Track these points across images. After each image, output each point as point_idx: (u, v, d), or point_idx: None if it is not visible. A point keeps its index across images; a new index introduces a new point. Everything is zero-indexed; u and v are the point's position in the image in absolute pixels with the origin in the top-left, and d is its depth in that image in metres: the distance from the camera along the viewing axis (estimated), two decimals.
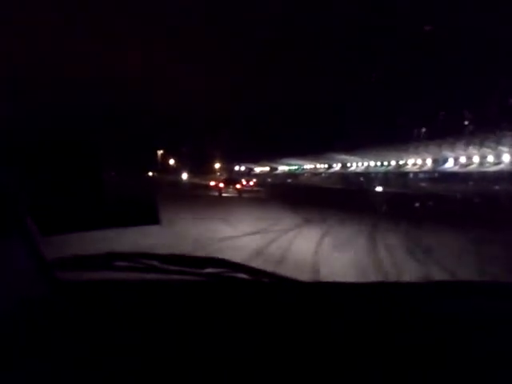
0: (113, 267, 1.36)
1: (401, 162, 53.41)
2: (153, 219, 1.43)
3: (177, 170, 70.25)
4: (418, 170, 48.77)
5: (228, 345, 0.98)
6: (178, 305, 1.18)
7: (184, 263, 1.37)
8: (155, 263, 1.36)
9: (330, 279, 1.63)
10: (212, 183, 30.94)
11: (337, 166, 67.42)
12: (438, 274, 5.49)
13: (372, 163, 58.47)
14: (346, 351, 0.98)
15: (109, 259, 1.38)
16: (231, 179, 30.72)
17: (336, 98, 45.61)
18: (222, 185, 27.01)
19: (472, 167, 41.00)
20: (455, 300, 1.24)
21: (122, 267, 1.35)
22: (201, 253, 4.95)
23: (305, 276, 2.03)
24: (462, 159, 43.51)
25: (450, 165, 45.39)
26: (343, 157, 60.12)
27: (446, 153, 44.85)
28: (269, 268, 1.51)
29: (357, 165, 62.42)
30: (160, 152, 59.10)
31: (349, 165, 64.15)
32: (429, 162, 48.36)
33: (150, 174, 59.88)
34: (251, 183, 32.72)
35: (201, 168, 68.14)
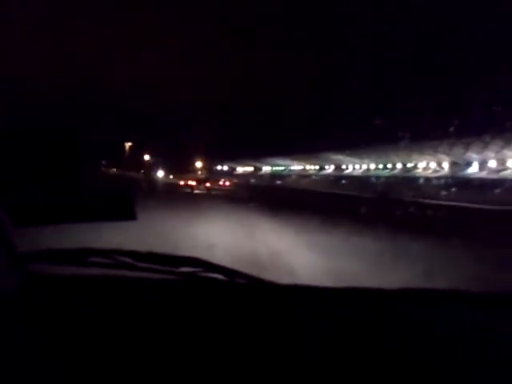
0: (87, 263, 1.32)
1: (409, 165, 43.92)
2: (129, 215, 1.39)
3: (152, 167, 63.85)
4: (431, 175, 39.19)
5: (200, 345, 0.97)
6: (150, 303, 1.15)
7: (159, 261, 1.33)
8: (129, 260, 1.32)
9: (307, 283, 1.39)
10: (182, 182, 34.11)
11: (329, 168, 57.72)
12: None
13: (372, 165, 48.77)
14: (318, 355, 0.98)
15: (83, 254, 1.35)
16: (202, 179, 33.78)
17: (327, 87, 40.29)
18: (194, 183, 30.70)
19: (507, 173, 31.64)
20: (432, 308, 1.25)
21: (96, 263, 1.32)
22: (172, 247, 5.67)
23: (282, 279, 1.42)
24: (492, 163, 34.04)
25: (474, 169, 36.00)
26: (338, 157, 50.39)
27: (470, 155, 35.38)
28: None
29: (354, 167, 52.69)
30: (128, 144, 49.77)
31: (344, 167, 54.45)
32: (445, 165, 38.95)
33: (114, 169, 51.50)
34: (227, 183, 36.76)
35: (180, 166, 64.19)
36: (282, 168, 69.71)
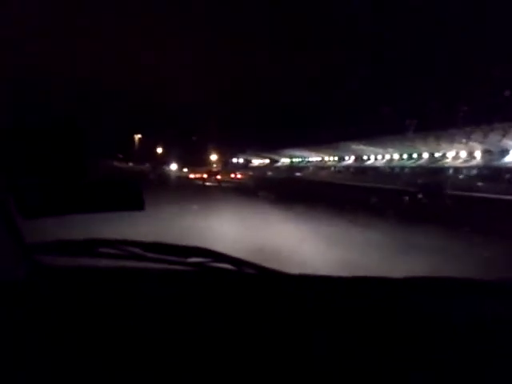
0: (96, 253, 1.32)
1: (437, 155, 40.85)
2: (137, 205, 1.38)
3: (164, 160, 62.40)
4: (463, 165, 36.10)
5: (210, 335, 0.98)
6: (159, 293, 1.16)
7: (168, 252, 1.33)
8: (138, 251, 1.33)
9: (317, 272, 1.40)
10: (192, 175, 35.32)
11: (350, 159, 54.77)
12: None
13: (396, 155, 45.68)
14: (328, 346, 0.98)
15: (92, 245, 1.35)
16: (213, 172, 34.23)
17: (348, 73, 38.61)
18: (205, 176, 31.40)
19: None
20: (444, 297, 1.24)
21: (105, 254, 1.32)
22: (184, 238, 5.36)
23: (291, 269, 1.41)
24: None
25: (510, 158, 32.82)
26: (358, 147, 47.43)
27: (506, 142, 32.19)
28: None
29: (375, 157, 49.65)
30: (137, 136, 47.92)
31: (365, 157, 51.43)
32: (477, 154, 35.79)
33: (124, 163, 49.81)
34: (238, 176, 37.05)
35: (195, 159, 62.48)
36: (299, 160, 67.05)
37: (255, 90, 45.61)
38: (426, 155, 41.86)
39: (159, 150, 66.03)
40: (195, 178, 32.61)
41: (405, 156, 44.25)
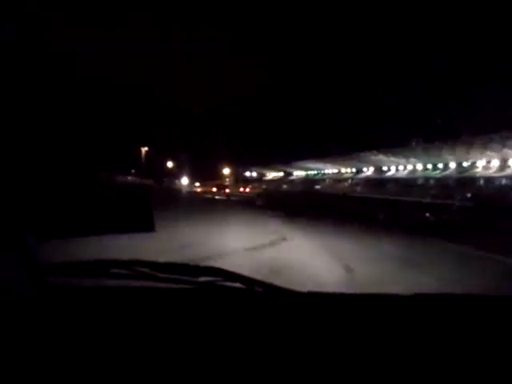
0: (107, 274, 1.33)
1: (465, 164, 37.46)
2: (148, 226, 1.41)
3: (176, 175, 60.72)
4: (496, 175, 32.68)
5: (221, 354, 0.99)
6: (171, 313, 1.17)
7: (178, 271, 1.35)
8: (149, 271, 1.34)
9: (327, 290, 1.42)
10: (199, 189, 37.04)
11: (368, 170, 51.52)
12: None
13: (419, 166, 42.32)
14: (340, 364, 0.99)
15: (103, 266, 1.36)
16: (221, 185, 36.09)
17: (366, 78, 40.27)
18: (214, 189, 33.32)
19: None
20: (449, 314, 1.24)
21: (116, 274, 1.33)
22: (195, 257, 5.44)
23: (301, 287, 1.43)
24: None
25: None
26: (377, 157, 44.27)
27: None
28: None
29: (397, 168, 46.31)
30: (144, 149, 45.69)
31: (385, 168, 48.13)
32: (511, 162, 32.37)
33: (129, 177, 47.84)
34: (247, 189, 38.13)
35: (207, 173, 60.56)
36: (315, 172, 64.08)
37: (267, 101, 45.01)
38: (452, 165, 38.46)
39: (169, 164, 64.44)
40: (204, 192, 33.50)
41: (429, 166, 40.87)
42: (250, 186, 43.78)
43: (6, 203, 1.20)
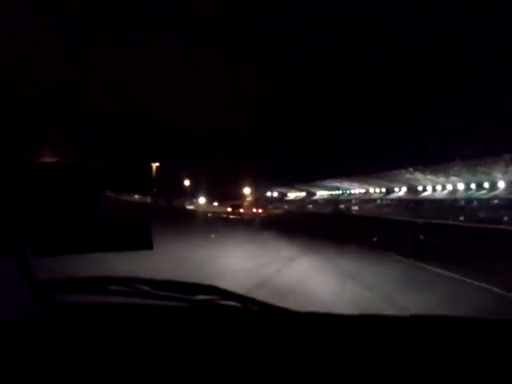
0: (105, 291, 1.36)
1: None
2: (146, 244, 1.41)
3: (193, 193, 58.05)
4: None
5: (215, 373, 0.99)
6: (168, 331, 1.18)
7: (176, 289, 1.37)
8: (147, 288, 1.36)
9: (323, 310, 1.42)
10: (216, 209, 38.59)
11: (400, 190, 46.72)
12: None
13: (461, 185, 37.41)
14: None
15: (101, 283, 1.39)
16: (236, 205, 35.67)
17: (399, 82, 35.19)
18: (229, 209, 33.49)
19: None
20: (449, 335, 1.25)
21: (114, 291, 1.35)
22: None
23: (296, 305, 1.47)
24: None
25: None
26: (412, 176, 39.60)
27: None
28: None
29: (434, 188, 41.43)
30: (155, 165, 42.42)
31: (420, 188, 43.29)
32: None
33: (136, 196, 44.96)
34: (260, 210, 38.46)
35: (226, 192, 57.31)
36: (340, 192, 59.64)
37: (289, 116, 44.48)
38: (501, 184, 33.50)
39: (186, 183, 61.75)
40: (218, 212, 33.81)
41: (473, 186, 35.95)
42: (269, 207, 43.55)
43: (3, 217, 1.19)
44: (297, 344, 1.13)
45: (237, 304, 1.34)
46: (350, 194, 56.41)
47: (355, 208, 48.24)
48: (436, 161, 33.06)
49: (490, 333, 1.30)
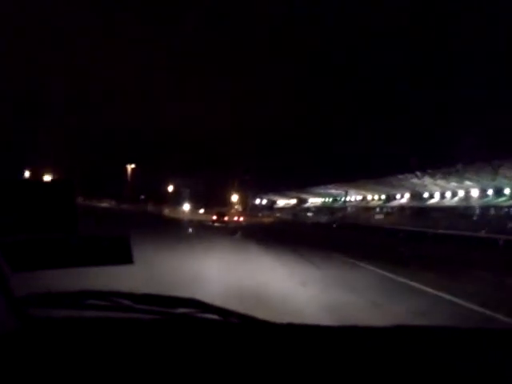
0: (85, 305, 1.34)
1: None
2: (126, 258, 1.42)
3: (176, 199, 54.16)
4: None
5: None
6: (148, 345, 1.18)
7: (156, 303, 1.36)
8: (128, 302, 1.35)
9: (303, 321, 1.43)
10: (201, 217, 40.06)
11: (403, 197, 42.38)
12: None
13: (476, 191, 33.08)
14: None
15: (81, 297, 1.37)
16: (221, 213, 36.47)
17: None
18: (214, 217, 34.41)
19: None
20: (432, 346, 1.25)
21: (95, 306, 1.34)
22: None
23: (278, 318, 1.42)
24: None
25: None
26: (418, 182, 35.30)
27: None
28: None
29: (443, 195, 37.09)
30: (131, 167, 37.69)
31: (426, 195, 38.94)
32: None
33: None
34: (241, 219, 40.18)
35: (214, 199, 57.53)
36: (334, 199, 55.32)
37: (277, 120, 43.33)
38: None
39: (170, 188, 57.58)
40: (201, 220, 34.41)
41: (490, 192, 31.67)
42: (259, 215, 43.38)
43: None
44: (278, 357, 1.13)
45: (217, 317, 1.34)
46: (346, 201, 52.09)
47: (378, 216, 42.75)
48: (449, 163, 29.00)
49: (479, 343, 1.32)
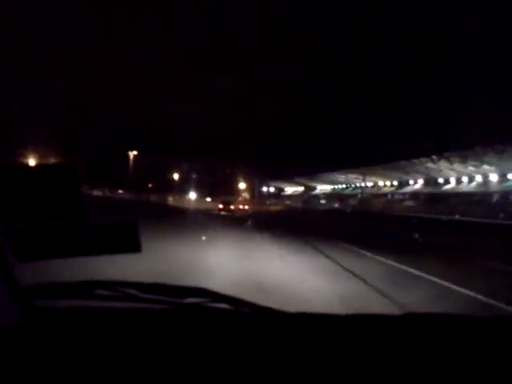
0: (92, 295, 1.32)
1: None
2: (134, 247, 1.39)
3: (182, 188, 53.20)
4: None
5: (208, 376, 0.99)
6: (157, 335, 1.16)
7: (164, 292, 1.34)
8: (135, 292, 1.33)
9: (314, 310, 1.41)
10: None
11: (417, 183, 40.84)
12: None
13: (494, 176, 31.50)
14: None
15: (88, 287, 1.35)
16: (227, 202, 35.97)
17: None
18: (220, 206, 33.99)
19: None
20: (441, 333, 1.25)
21: (101, 296, 1.32)
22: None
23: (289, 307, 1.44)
24: None
25: None
26: (435, 166, 33.73)
27: None
28: None
29: (459, 180, 35.53)
30: (133, 153, 36.45)
31: (441, 180, 37.39)
32: None
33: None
34: (246, 207, 39.86)
35: (221, 187, 56.03)
36: (344, 186, 53.89)
37: (285, 106, 41.54)
38: None
39: (175, 176, 56.59)
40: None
41: (510, 176, 30.05)
42: (267, 203, 42.89)
43: None
44: (290, 346, 1.13)
45: (228, 306, 1.33)
46: (356, 187, 50.59)
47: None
48: (468, 146, 27.48)
49: (487, 330, 1.31)
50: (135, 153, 38.37)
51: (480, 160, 29.58)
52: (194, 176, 57.76)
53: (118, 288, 1.33)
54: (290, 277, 6.75)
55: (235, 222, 20.88)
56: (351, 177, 48.62)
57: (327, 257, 9.26)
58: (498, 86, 25.41)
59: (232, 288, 4.46)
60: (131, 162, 38.05)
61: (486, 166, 30.66)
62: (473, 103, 26.45)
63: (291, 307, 1.41)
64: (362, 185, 47.45)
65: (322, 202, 53.68)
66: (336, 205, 47.26)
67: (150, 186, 46.57)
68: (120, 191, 40.56)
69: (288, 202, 58.28)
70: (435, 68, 31.49)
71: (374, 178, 46.85)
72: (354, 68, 35.63)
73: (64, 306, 1.25)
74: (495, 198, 29.91)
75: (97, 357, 1.01)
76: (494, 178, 31.49)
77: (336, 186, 56.45)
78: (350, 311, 1.50)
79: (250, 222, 21.36)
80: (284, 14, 33.11)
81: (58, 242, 1.31)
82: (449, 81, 29.39)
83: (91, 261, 1.55)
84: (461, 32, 27.61)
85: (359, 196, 48.21)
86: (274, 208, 47.26)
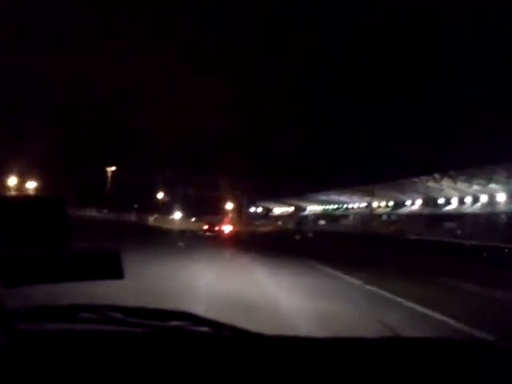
0: (76, 319, 1.33)
1: None
2: (117, 273, 1.38)
3: (167, 207, 51.01)
4: None
5: None
6: (140, 358, 1.19)
7: (148, 316, 1.37)
8: (119, 316, 1.35)
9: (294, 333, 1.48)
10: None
11: (414, 203, 38.41)
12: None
13: (503, 196, 29.18)
14: None
15: (72, 311, 1.37)
16: (212, 223, 36.90)
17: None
18: (205, 227, 35.02)
19: None
20: (421, 358, 1.27)
21: (86, 319, 1.33)
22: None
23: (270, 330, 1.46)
24: None
25: None
26: (437, 185, 31.38)
27: None
28: None
29: (462, 200, 33.10)
30: (110, 169, 33.48)
31: (441, 201, 34.98)
32: None
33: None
34: (230, 228, 39.17)
35: (208, 208, 55.07)
36: (335, 206, 51.42)
37: (275, 120, 41.52)
38: None
39: (160, 196, 54.03)
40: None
41: None
42: (256, 223, 42.88)
43: None
44: (270, 370, 1.13)
45: (209, 330, 1.34)
46: (348, 208, 48.11)
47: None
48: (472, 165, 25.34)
49: (483, 355, 1.32)
50: (113, 168, 35.44)
51: (488, 178, 27.28)
52: (179, 195, 55.62)
53: (103, 311, 1.32)
54: None
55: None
56: (343, 197, 46.19)
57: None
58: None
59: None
60: (109, 180, 35.09)
61: (493, 185, 28.39)
62: (457, 123, 25.27)
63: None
64: (353, 205, 45.01)
65: (321, 222, 50.52)
66: (337, 227, 44.22)
67: (135, 206, 44.55)
68: (104, 211, 37.53)
69: (279, 223, 55.53)
70: (435, 70, 31.34)
71: (367, 198, 44.47)
72: (354, 68, 35.44)
73: (49, 329, 1.24)
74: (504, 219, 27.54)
75: (80, 379, 1.00)
76: (501, 197, 29.20)
77: (327, 207, 53.98)
78: None
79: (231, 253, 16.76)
80: (284, 13, 33.08)
81: (43, 267, 1.30)
82: (449, 81, 29.00)
83: (75, 284, 1.49)
84: (461, 32, 27.30)
85: (351, 218, 45.77)
86: (263, 229, 44.28)
